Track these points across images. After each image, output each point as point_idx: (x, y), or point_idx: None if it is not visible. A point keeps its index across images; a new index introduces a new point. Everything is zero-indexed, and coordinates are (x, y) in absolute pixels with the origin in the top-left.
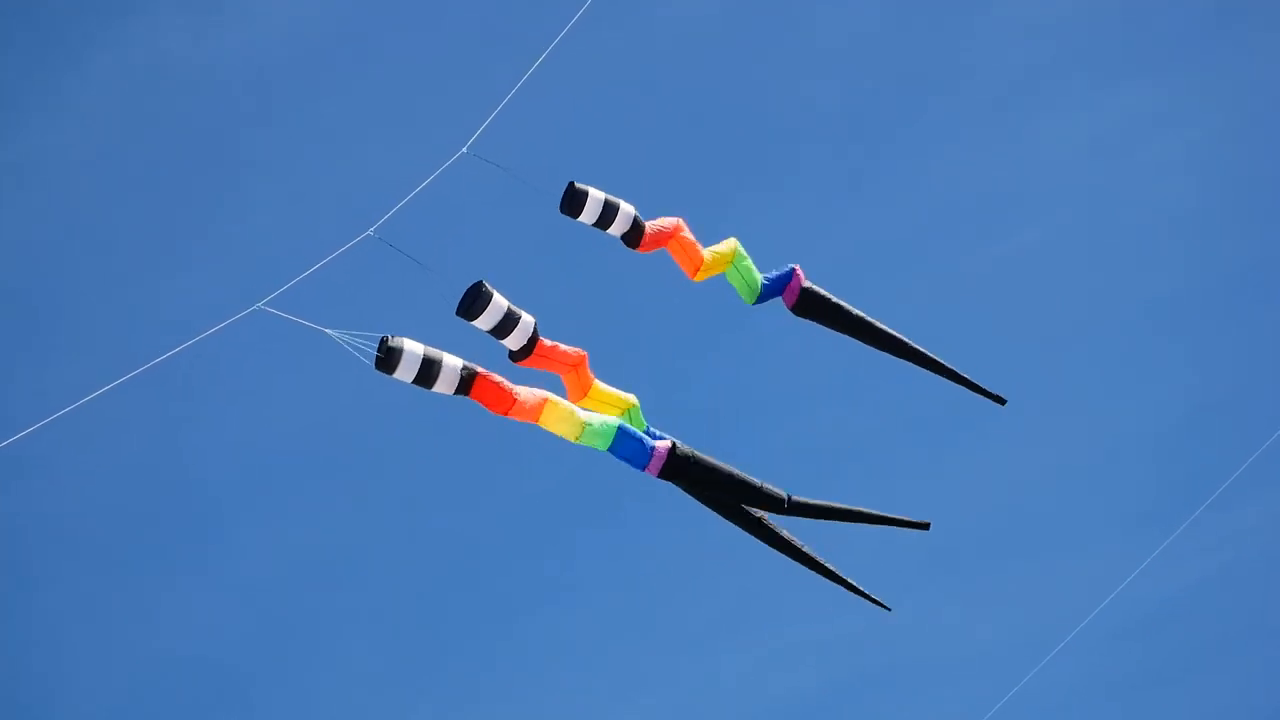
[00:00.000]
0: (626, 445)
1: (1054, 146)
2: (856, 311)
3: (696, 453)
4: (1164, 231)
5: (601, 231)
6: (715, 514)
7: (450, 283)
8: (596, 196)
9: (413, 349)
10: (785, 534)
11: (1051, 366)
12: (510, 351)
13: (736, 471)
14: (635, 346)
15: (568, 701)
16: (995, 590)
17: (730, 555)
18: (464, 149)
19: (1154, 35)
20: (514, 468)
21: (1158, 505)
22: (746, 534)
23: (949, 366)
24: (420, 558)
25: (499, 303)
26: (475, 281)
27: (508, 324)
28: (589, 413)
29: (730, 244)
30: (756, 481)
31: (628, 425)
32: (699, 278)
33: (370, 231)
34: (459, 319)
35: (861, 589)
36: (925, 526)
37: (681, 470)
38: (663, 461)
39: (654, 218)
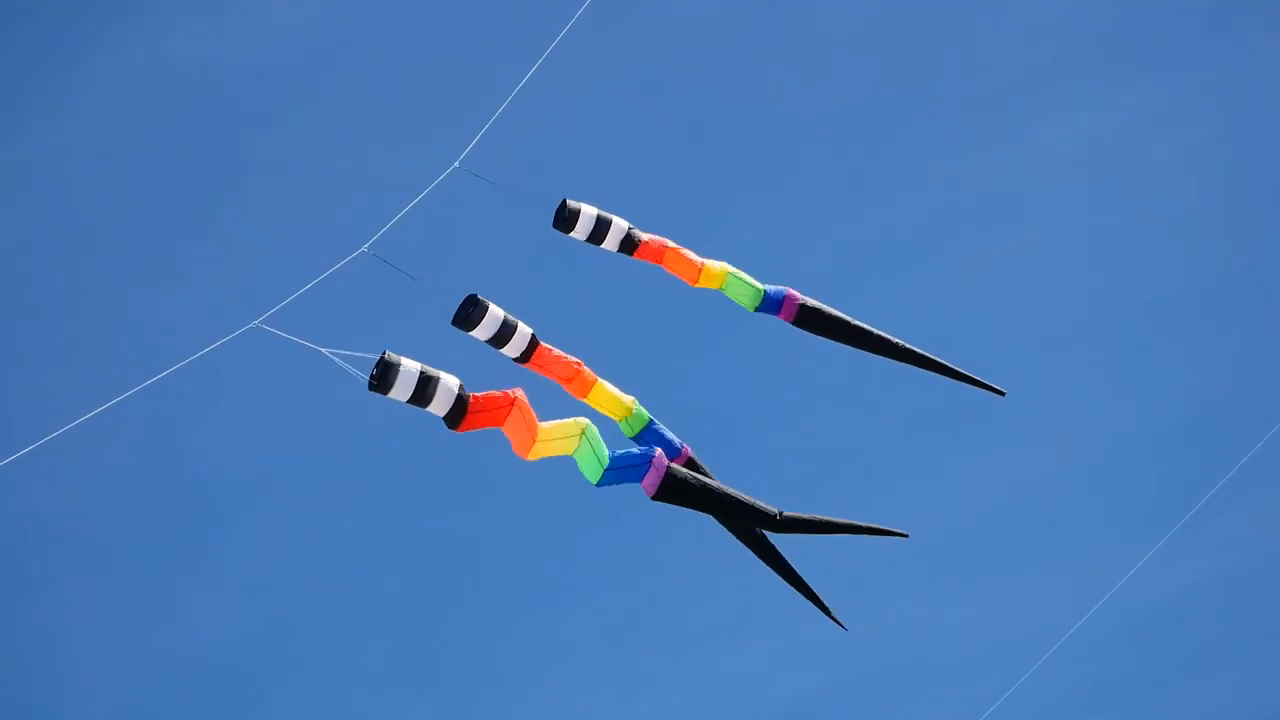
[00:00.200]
0: (618, 476)
1: (1054, 146)
2: (855, 321)
3: (689, 476)
4: (1162, 232)
5: (595, 247)
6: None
7: (445, 297)
8: (589, 213)
9: (408, 370)
10: (776, 548)
11: (1048, 367)
12: (512, 359)
13: (730, 490)
14: (634, 349)
15: (569, 702)
16: (991, 591)
17: (731, 556)
18: (455, 164)
19: (1153, 36)
20: (515, 467)
21: (1153, 506)
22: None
23: (947, 364)
24: (421, 558)
25: (495, 312)
26: (470, 294)
27: (505, 333)
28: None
29: (722, 267)
30: (749, 499)
31: (617, 455)
32: (699, 284)
33: (364, 248)
34: (452, 333)
35: (825, 605)
36: (904, 535)
37: (675, 493)
38: (655, 488)
39: (651, 224)
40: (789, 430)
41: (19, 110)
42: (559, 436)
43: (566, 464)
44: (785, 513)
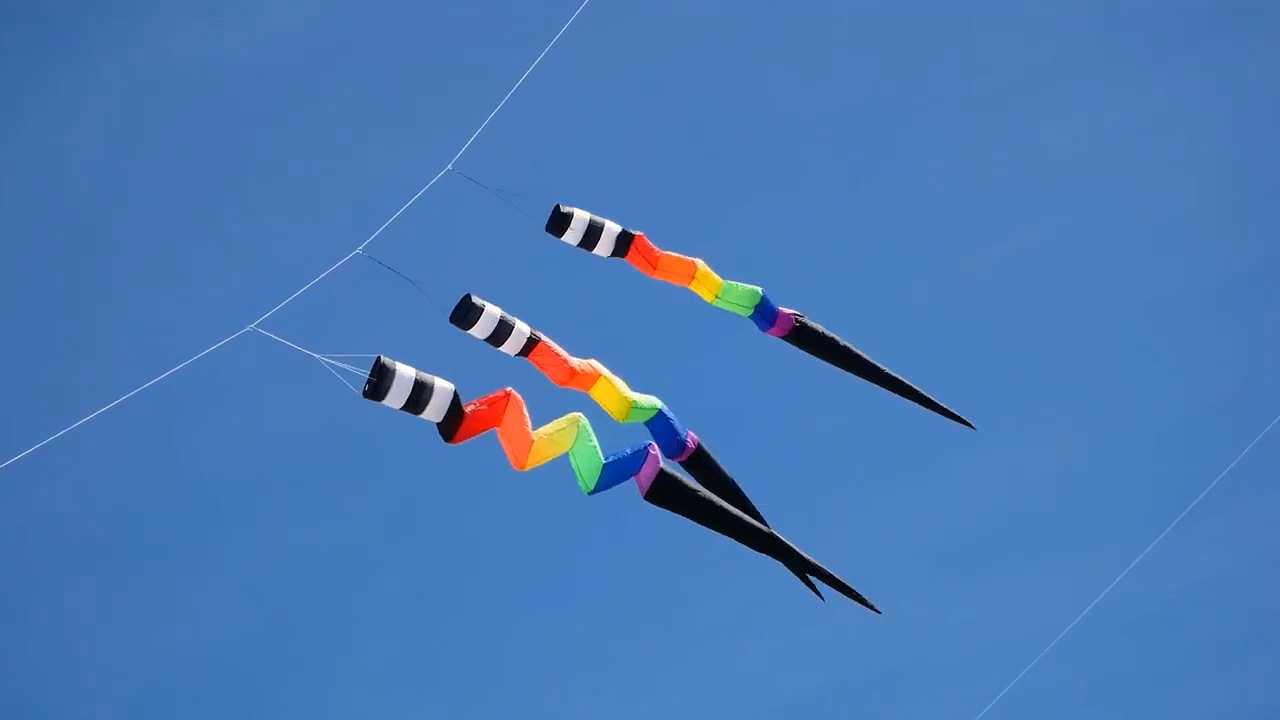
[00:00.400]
0: (613, 471)
1: (1054, 146)
2: (843, 342)
3: (684, 481)
4: (1160, 232)
5: (587, 252)
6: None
7: (440, 299)
8: (581, 218)
9: (403, 377)
10: (784, 540)
11: (1046, 366)
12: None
13: (723, 504)
14: (630, 351)
15: (571, 702)
16: (986, 590)
17: (732, 555)
18: (449, 166)
19: (1153, 36)
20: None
21: (1148, 506)
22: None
23: (923, 393)
24: (422, 558)
25: (492, 311)
26: (465, 294)
27: (503, 331)
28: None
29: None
30: (740, 514)
31: (612, 460)
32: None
33: (359, 250)
34: (447, 335)
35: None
36: (877, 611)
37: (669, 496)
38: (651, 480)
39: (648, 225)
40: (786, 432)
41: (17, 110)
42: (553, 432)
43: (567, 466)
44: (776, 534)
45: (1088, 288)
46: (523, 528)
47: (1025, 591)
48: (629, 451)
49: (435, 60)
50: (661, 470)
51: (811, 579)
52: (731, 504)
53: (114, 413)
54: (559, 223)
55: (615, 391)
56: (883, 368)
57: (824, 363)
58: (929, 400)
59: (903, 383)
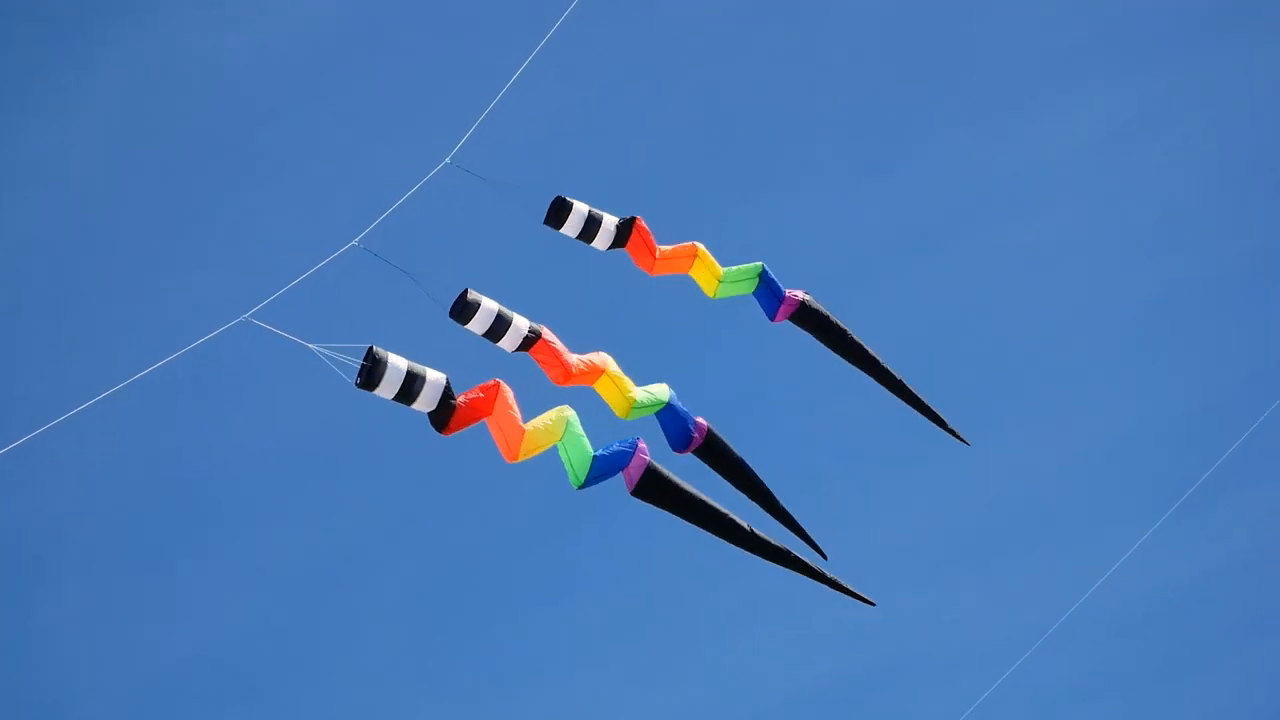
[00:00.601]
0: (603, 465)
1: (1054, 147)
2: (853, 336)
3: (669, 478)
4: (1159, 226)
5: (585, 244)
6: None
7: (436, 291)
8: (580, 210)
9: (395, 367)
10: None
11: (1043, 363)
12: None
13: (708, 499)
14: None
15: (571, 699)
16: (984, 581)
17: (729, 551)
18: (447, 159)
19: (1150, 33)
20: (517, 465)
21: (1139, 501)
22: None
23: (923, 400)
24: (421, 556)
25: (490, 305)
26: (464, 289)
27: (500, 326)
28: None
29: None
30: (725, 511)
31: (601, 453)
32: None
33: (355, 242)
34: (445, 327)
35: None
36: (871, 604)
37: (655, 491)
38: (640, 473)
39: (647, 218)
40: (787, 424)
41: (20, 104)
42: (542, 425)
43: (559, 463)
44: (756, 530)
45: (1085, 280)
46: (522, 525)
47: (1022, 582)
48: (618, 445)
49: (433, 54)
50: (649, 466)
51: (814, 541)
52: (745, 488)
53: (109, 402)
54: (558, 215)
55: (618, 389)
56: (891, 370)
57: (824, 360)
58: (929, 410)
59: (905, 387)
